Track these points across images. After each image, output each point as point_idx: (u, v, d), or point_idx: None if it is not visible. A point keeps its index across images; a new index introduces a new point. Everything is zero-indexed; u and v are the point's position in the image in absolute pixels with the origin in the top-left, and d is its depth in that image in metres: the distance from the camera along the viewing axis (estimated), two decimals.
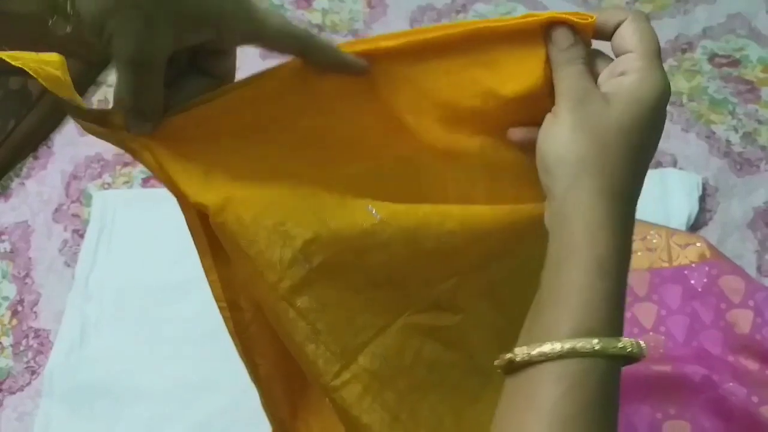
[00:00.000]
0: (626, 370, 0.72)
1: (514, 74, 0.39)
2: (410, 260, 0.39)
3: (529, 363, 0.31)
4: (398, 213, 0.39)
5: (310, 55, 0.38)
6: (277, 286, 0.36)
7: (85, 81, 1.02)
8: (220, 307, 0.42)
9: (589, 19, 0.37)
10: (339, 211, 0.38)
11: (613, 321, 0.32)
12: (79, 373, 0.76)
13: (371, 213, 0.38)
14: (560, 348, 0.30)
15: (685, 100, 0.95)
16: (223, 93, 0.36)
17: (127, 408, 0.74)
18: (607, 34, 0.38)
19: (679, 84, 0.97)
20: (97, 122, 0.34)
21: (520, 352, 0.32)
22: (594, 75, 0.37)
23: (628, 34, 0.36)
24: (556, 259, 0.34)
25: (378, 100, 0.40)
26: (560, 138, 0.35)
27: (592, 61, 0.38)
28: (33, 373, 0.77)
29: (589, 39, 0.38)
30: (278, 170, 0.38)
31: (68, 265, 0.85)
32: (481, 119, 0.41)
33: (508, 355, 0.32)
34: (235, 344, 0.43)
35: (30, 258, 0.86)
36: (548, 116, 0.37)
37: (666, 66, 0.97)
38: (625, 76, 0.36)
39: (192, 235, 0.40)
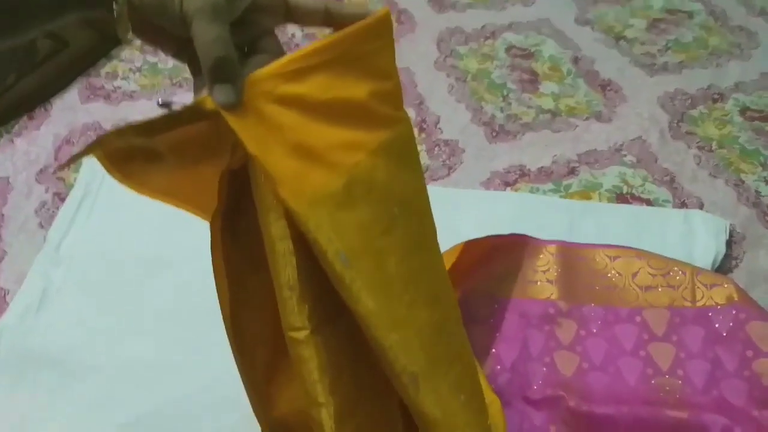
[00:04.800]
0: (637, 413, 0.65)
1: None
2: None
3: None
4: None
5: (334, 18, 0.38)
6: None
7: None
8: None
9: None
10: None
11: None
12: (28, 339, 0.69)
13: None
14: None
15: (714, 146, 0.91)
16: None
17: (74, 383, 0.66)
18: None
19: (708, 130, 0.93)
20: (193, 117, 0.33)
21: None
22: None
23: None
24: None
25: None
26: None
27: None
28: None
29: None
30: None
31: (42, 227, 0.79)
32: None
33: None
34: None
35: (2, 215, 0.80)
36: None
37: (696, 112, 0.96)
38: None
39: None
